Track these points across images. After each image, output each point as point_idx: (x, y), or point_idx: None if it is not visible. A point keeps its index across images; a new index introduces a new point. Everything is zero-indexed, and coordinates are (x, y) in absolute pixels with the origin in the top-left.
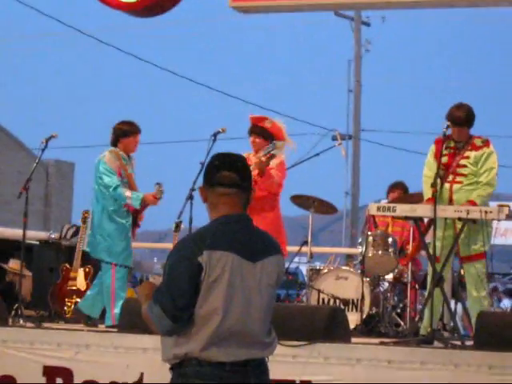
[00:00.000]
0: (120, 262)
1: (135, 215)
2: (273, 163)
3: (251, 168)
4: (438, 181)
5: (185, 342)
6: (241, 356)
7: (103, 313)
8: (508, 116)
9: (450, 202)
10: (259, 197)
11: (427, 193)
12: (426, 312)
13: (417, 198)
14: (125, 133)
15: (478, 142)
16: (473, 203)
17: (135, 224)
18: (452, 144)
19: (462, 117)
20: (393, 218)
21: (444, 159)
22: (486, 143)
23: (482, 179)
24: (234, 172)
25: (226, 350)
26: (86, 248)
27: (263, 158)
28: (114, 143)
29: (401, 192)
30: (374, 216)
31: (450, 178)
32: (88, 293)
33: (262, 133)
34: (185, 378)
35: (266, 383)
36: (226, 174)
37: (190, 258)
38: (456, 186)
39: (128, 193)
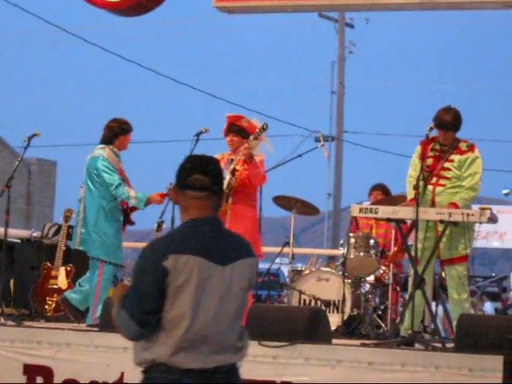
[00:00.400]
0: (114, 261)
1: (127, 213)
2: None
3: (239, 157)
4: (421, 183)
5: (153, 346)
6: (210, 363)
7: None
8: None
9: (433, 204)
10: (241, 187)
11: (411, 193)
12: (407, 314)
13: (400, 200)
14: (124, 130)
15: (463, 146)
16: (455, 205)
17: (127, 221)
18: (438, 146)
19: (449, 121)
20: (376, 220)
21: (429, 161)
22: (471, 148)
23: (466, 183)
24: (206, 175)
25: (195, 357)
26: (80, 247)
27: (251, 142)
28: (110, 141)
29: (381, 194)
30: (356, 218)
31: (434, 180)
32: (80, 287)
33: (240, 132)
34: (152, 383)
35: None
36: (197, 177)
37: (156, 262)
38: (439, 189)
39: (132, 192)
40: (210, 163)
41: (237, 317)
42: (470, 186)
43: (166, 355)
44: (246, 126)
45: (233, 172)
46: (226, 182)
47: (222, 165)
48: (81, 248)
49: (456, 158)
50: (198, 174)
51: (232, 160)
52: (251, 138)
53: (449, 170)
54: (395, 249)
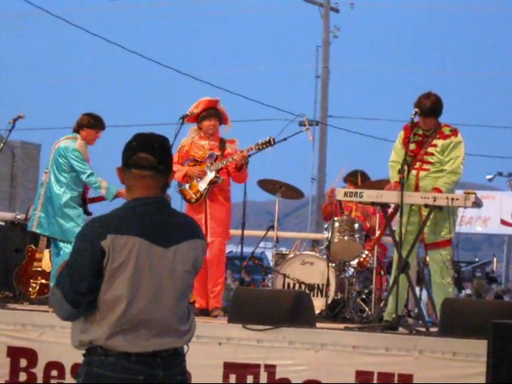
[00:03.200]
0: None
1: (85, 203)
2: (232, 149)
3: (230, 160)
4: (405, 167)
5: (90, 328)
6: (148, 347)
7: None
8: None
9: (417, 188)
10: (225, 187)
11: (394, 177)
12: (391, 298)
13: (383, 185)
14: (92, 125)
15: (446, 130)
16: (438, 190)
17: (84, 211)
18: (421, 131)
19: (427, 107)
20: (356, 203)
21: (412, 146)
22: (454, 132)
23: (447, 167)
24: (151, 154)
25: (133, 340)
26: (37, 229)
27: (247, 152)
28: (77, 130)
29: (350, 184)
30: (340, 201)
31: (418, 165)
32: None
33: (219, 116)
34: (89, 366)
35: (177, 375)
36: (142, 155)
37: (93, 241)
38: (422, 173)
39: (104, 183)
40: (157, 141)
41: (180, 300)
42: (451, 170)
43: (102, 338)
44: (222, 110)
45: (218, 171)
46: (207, 178)
47: (200, 153)
48: (37, 231)
49: (439, 142)
50: (143, 152)
51: (217, 156)
52: (253, 147)
53: (432, 154)
54: (379, 232)
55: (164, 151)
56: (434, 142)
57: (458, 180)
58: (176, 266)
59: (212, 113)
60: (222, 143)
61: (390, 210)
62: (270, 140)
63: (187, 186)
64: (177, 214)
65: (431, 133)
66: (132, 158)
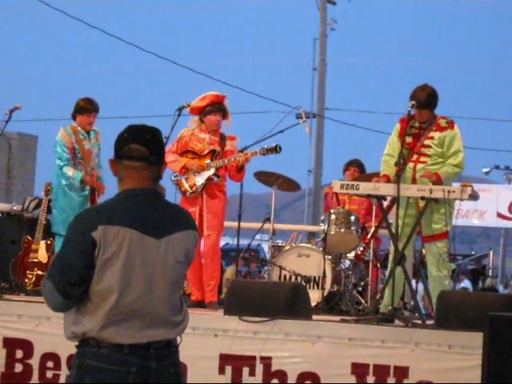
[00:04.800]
0: None
1: (93, 190)
2: (232, 146)
3: (232, 160)
4: (401, 160)
5: (83, 320)
6: (141, 338)
7: None
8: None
9: (413, 181)
10: (222, 182)
11: (384, 170)
12: (387, 290)
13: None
14: (80, 110)
15: (442, 122)
16: (437, 176)
17: (93, 200)
18: (417, 124)
19: (422, 99)
20: (349, 195)
21: (408, 139)
22: (450, 124)
23: (452, 161)
24: (143, 145)
25: (126, 331)
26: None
27: (251, 155)
28: (73, 117)
29: (356, 169)
30: (337, 194)
31: (415, 157)
32: None
33: (224, 112)
34: (82, 358)
35: (170, 366)
36: (134, 146)
37: (84, 232)
38: (419, 166)
39: (70, 172)
40: (149, 133)
41: (173, 291)
42: (456, 164)
43: (95, 329)
44: (226, 106)
45: (217, 169)
46: (206, 174)
47: (200, 145)
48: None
49: (436, 134)
50: (134, 144)
51: (218, 153)
52: (258, 152)
53: (429, 147)
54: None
55: (156, 142)
56: (431, 134)
57: (459, 173)
58: (168, 256)
59: (218, 108)
60: (223, 139)
61: (386, 203)
62: (276, 147)
63: (184, 177)
64: (169, 205)
65: (427, 125)
66: (124, 150)
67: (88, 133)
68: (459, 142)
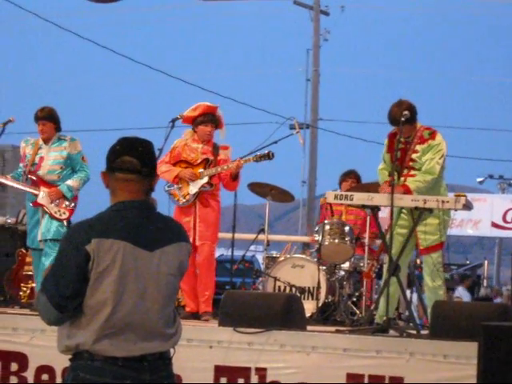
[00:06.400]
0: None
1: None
2: (225, 155)
3: (225, 168)
4: (395, 171)
5: (77, 333)
6: (135, 351)
7: None
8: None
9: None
10: (215, 191)
11: (382, 179)
12: (382, 301)
13: (372, 188)
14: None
15: (425, 134)
16: (406, 187)
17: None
18: (403, 139)
19: (398, 117)
20: (346, 206)
21: (397, 154)
22: (432, 135)
23: (423, 168)
24: (135, 157)
25: (120, 344)
26: None
27: (244, 162)
28: None
29: (354, 181)
30: (331, 204)
31: (405, 171)
32: None
33: (216, 123)
34: (76, 371)
35: (164, 378)
36: (126, 159)
37: (78, 245)
38: (410, 180)
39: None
40: (141, 145)
41: (166, 303)
42: (425, 170)
43: (88, 342)
44: (219, 116)
45: (210, 178)
46: (199, 183)
47: (193, 155)
48: None
49: (420, 147)
50: (126, 156)
51: (211, 162)
52: (251, 159)
53: (415, 161)
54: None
55: (148, 155)
56: (417, 147)
57: (432, 180)
58: (161, 269)
59: (209, 119)
60: (216, 148)
61: (382, 214)
62: (268, 154)
63: (177, 187)
64: (161, 217)
65: (412, 139)
66: (116, 162)
67: (48, 141)
68: (438, 150)
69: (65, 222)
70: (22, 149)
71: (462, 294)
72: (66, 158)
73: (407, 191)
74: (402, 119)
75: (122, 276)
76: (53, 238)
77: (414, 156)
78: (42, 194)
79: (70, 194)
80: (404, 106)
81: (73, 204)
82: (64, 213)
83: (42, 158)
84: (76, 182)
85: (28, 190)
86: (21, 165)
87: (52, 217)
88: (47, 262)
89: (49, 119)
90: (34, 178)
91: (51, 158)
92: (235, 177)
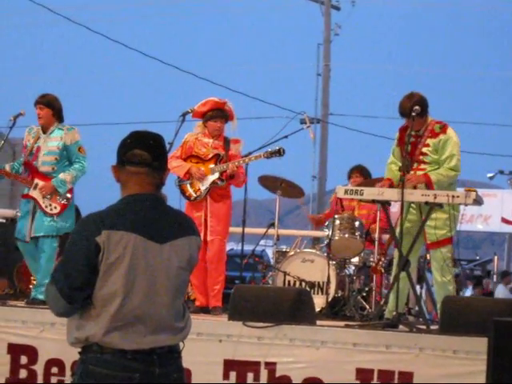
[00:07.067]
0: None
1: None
2: (235, 149)
3: (239, 162)
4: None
5: (86, 325)
6: (144, 344)
7: None
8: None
9: (414, 189)
10: (226, 186)
11: (387, 174)
12: (391, 296)
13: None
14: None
15: (436, 128)
16: (426, 177)
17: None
18: (414, 132)
19: (408, 109)
20: (358, 201)
21: (407, 148)
22: (443, 129)
23: (446, 165)
24: (146, 151)
25: (130, 337)
26: None
27: (255, 159)
28: None
29: (359, 175)
30: (341, 199)
31: (415, 165)
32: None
33: (226, 118)
34: (85, 364)
35: (173, 372)
36: (136, 152)
37: (88, 237)
38: (419, 174)
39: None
40: (152, 139)
41: (176, 297)
42: (449, 167)
43: (98, 334)
44: (229, 110)
45: (221, 173)
46: (210, 179)
47: (204, 150)
48: None
49: (431, 141)
50: (137, 149)
51: (222, 156)
52: (262, 155)
53: (426, 154)
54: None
55: (159, 149)
56: (427, 141)
57: (455, 176)
58: (171, 262)
59: (218, 114)
60: (227, 143)
61: (393, 210)
62: (279, 150)
63: (188, 182)
64: (172, 210)
65: (423, 132)
66: (127, 155)
67: (47, 130)
68: (453, 145)
69: (55, 217)
70: (25, 137)
71: (502, 292)
72: (62, 148)
73: (428, 182)
74: (413, 114)
75: (131, 268)
76: (46, 234)
77: (424, 150)
78: (35, 186)
79: (63, 188)
80: (415, 99)
81: (65, 198)
82: (55, 207)
83: (38, 148)
84: (69, 176)
85: (20, 181)
86: (23, 154)
87: (44, 212)
88: (44, 259)
89: (46, 104)
90: (30, 168)
91: (47, 148)
92: (231, 176)
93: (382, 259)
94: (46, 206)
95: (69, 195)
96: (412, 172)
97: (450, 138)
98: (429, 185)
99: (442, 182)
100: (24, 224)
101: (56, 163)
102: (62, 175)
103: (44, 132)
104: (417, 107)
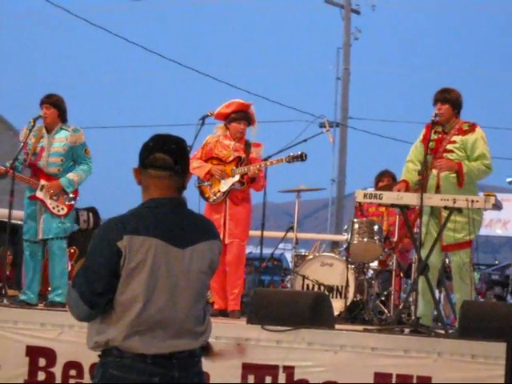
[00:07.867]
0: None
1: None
2: (256, 153)
3: (261, 165)
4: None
5: (106, 329)
6: (164, 348)
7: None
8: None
9: (437, 188)
10: (246, 189)
11: (404, 175)
12: (420, 300)
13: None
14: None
15: (464, 126)
16: (460, 165)
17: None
18: (440, 129)
19: (444, 94)
20: (387, 208)
21: (431, 144)
22: (472, 127)
23: (483, 160)
24: (168, 154)
25: (150, 341)
26: None
27: (277, 163)
28: None
29: (390, 180)
30: (361, 204)
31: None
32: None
33: (250, 120)
34: (104, 368)
35: (193, 376)
36: (159, 155)
37: (110, 242)
38: (443, 174)
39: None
40: (174, 142)
41: (196, 301)
42: (485, 164)
43: (118, 339)
44: (252, 114)
45: (242, 176)
46: (230, 181)
47: (225, 152)
48: None
49: (458, 138)
50: (159, 153)
51: (243, 159)
52: (284, 159)
53: (452, 151)
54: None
55: (181, 152)
56: (453, 138)
57: (485, 174)
58: (192, 266)
59: (243, 116)
60: (248, 146)
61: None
62: (301, 155)
63: (208, 184)
64: (193, 214)
65: (450, 129)
66: (149, 159)
67: (51, 130)
68: (483, 144)
69: (63, 219)
70: (23, 133)
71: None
72: (68, 150)
73: (460, 170)
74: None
75: (153, 273)
76: (55, 236)
77: (449, 147)
78: (42, 188)
79: (71, 189)
80: (450, 90)
81: (72, 199)
82: (62, 208)
83: (42, 149)
84: (77, 176)
85: (27, 183)
86: (22, 152)
87: (51, 213)
88: (55, 261)
89: (53, 105)
90: (34, 168)
91: (52, 149)
92: (252, 179)
93: (392, 254)
94: (54, 208)
95: (74, 196)
96: (434, 171)
97: (480, 136)
98: (460, 174)
99: (472, 174)
100: (31, 225)
101: (61, 164)
102: (70, 175)
103: (48, 132)
104: (436, 111)
